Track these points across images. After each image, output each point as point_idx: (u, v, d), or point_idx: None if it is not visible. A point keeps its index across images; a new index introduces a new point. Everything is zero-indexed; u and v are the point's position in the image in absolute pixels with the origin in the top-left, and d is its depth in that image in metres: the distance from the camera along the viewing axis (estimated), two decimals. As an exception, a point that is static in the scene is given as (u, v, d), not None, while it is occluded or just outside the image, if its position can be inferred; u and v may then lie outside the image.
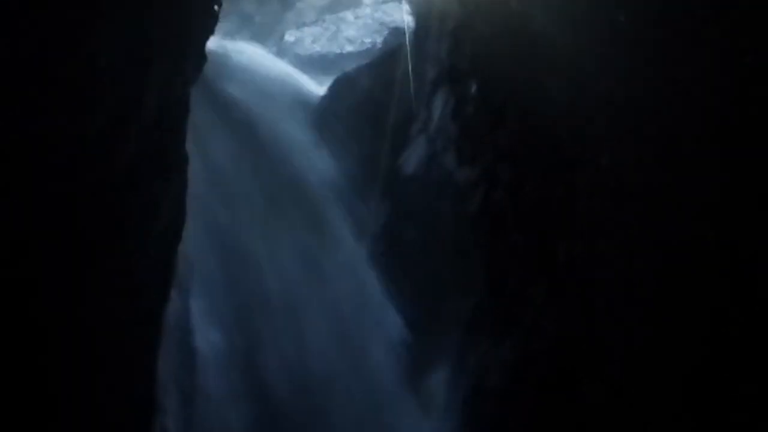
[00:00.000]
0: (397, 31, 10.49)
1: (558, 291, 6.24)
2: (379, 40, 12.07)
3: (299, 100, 10.35)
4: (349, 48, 12.54)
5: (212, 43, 8.43)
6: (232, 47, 11.29)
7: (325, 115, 9.94)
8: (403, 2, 9.91)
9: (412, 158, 8.48)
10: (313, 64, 11.63)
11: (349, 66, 10.99)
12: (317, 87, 10.53)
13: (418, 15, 8.93)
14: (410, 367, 8.34)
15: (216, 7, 7.97)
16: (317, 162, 9.55)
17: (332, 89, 10.30)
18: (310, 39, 12.39)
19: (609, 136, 5.81)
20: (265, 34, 12.47)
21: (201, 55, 8.02)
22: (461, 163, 7.68)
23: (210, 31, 8.12)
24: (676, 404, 5.49)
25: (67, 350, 5.97)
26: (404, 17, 9.64)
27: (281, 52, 11.94)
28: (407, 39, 8.89)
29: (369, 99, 9.62)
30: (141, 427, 7.23)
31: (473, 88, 7.47)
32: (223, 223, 9.47)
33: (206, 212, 9.02)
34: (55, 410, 5.89)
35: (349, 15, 12.63)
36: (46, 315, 5.68)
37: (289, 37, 12.49)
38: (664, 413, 5.53)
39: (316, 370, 10.23)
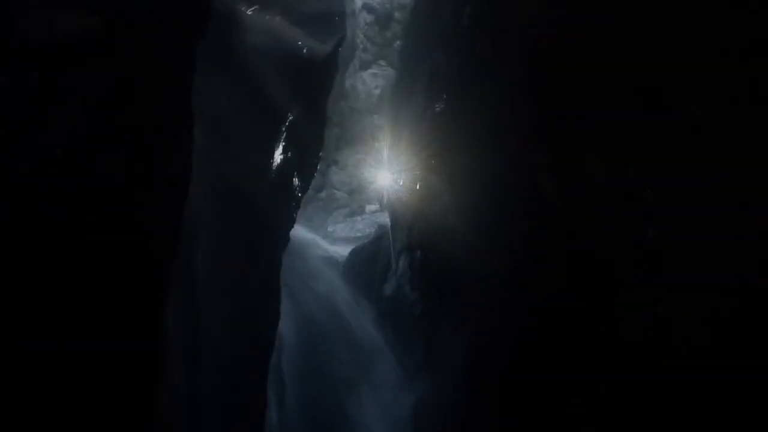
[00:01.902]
0: (382, 226, 18.18)
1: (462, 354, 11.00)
2: (374, 230, 20.36)
3: (331, 261, 17.78)
4: (359, 234, 21.28)
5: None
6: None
7: (346, 268, 17.29)
8: (385, 212, 17.42)
9: (389, 287, 14.91)
10: (342, 241, 20.56)
11: (360, 242, 19.09)
12: (344, 251, 18.65)
13: (392, 219, 15.86)
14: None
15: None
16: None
17: (351, 253, 17.91)
18: (340, 229, 21.76)
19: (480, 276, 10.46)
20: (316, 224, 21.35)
21: (206, 13, 7.96)
22: (413, 289, 13.76)
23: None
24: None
25: (74, 302, 6.05)
26: (386, 220, 16.97)
27: (328, 238, 21.07)
28: (388, 230, 15.94)
29: (369, 258, 16.62)
30: (148, 379, 7.31)
31: (418, 253, 13.49)
32: (230, 176, 9.57)
33: (211, 166, 9.13)
34: (65, 361, 6.00)
35: (358, 217, 21.90)
36: (58, 263, 5.75)
37: (330, 229, 21.69)
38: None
39: (322, 326, 11.21)
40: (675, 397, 7.26)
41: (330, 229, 22.28)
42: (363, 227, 22.39)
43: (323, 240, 20.24)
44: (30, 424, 5.64)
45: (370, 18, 21.16)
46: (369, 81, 21.42)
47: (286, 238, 11.96)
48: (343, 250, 19.02)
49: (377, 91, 21.40)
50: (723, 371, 6.90)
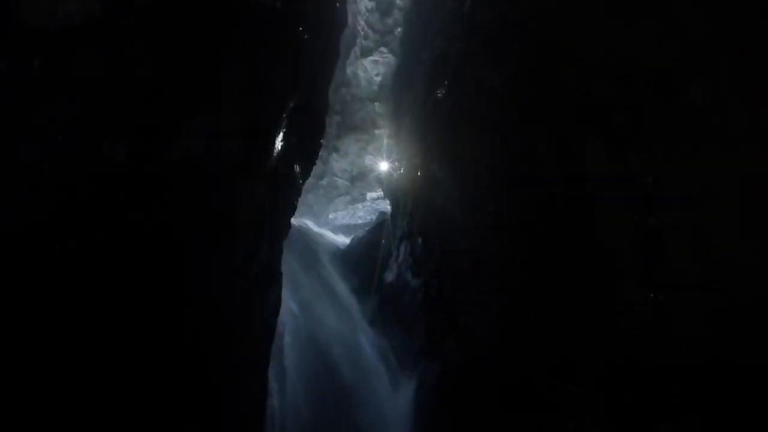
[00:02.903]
0: (383, 213, 18.50)
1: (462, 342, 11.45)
2: (374, 217, 21.46)
3: (332, 248, 18.09)
4: (360, 221, 22.90)
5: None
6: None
7: (347, 254, 17.59)
8: (386, 200, 17.77)
9: (390, 274, 15.01)
10: (342, 229, 21.81)
11: (360, 229, 19.79)
12: (344, 239, 19.30)
13: (393, 206, 16.46)
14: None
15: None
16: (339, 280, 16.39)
17: (352, 241, 18.32)
18: (341, 216, 23.23)
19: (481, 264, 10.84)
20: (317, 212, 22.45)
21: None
22: (413, 276, 13.88)
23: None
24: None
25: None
26: (387, 207, 17.54)
27: (329, 225, 21.98)
28: (389, 217, 16.42)
29: (369, 246, 16.76)
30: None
31: (419, 240, 13.75)
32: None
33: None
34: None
35: (359, 205, 23.05)
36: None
37: (332, 216, 23.00)
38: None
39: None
40: (675, 391, 7.30)
41: (331, 216, 22.44)
42: (364, 214, 22.72)
43: (324, 227, 20.36)
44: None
45: (371, 4, 21.10)
46: (370, 68, 21.42)
47: (287, 226, 12.02)
48: (344, 238, 19.17)
49: (378, 79, 21.41)
50: (723, 365, 6.94)
